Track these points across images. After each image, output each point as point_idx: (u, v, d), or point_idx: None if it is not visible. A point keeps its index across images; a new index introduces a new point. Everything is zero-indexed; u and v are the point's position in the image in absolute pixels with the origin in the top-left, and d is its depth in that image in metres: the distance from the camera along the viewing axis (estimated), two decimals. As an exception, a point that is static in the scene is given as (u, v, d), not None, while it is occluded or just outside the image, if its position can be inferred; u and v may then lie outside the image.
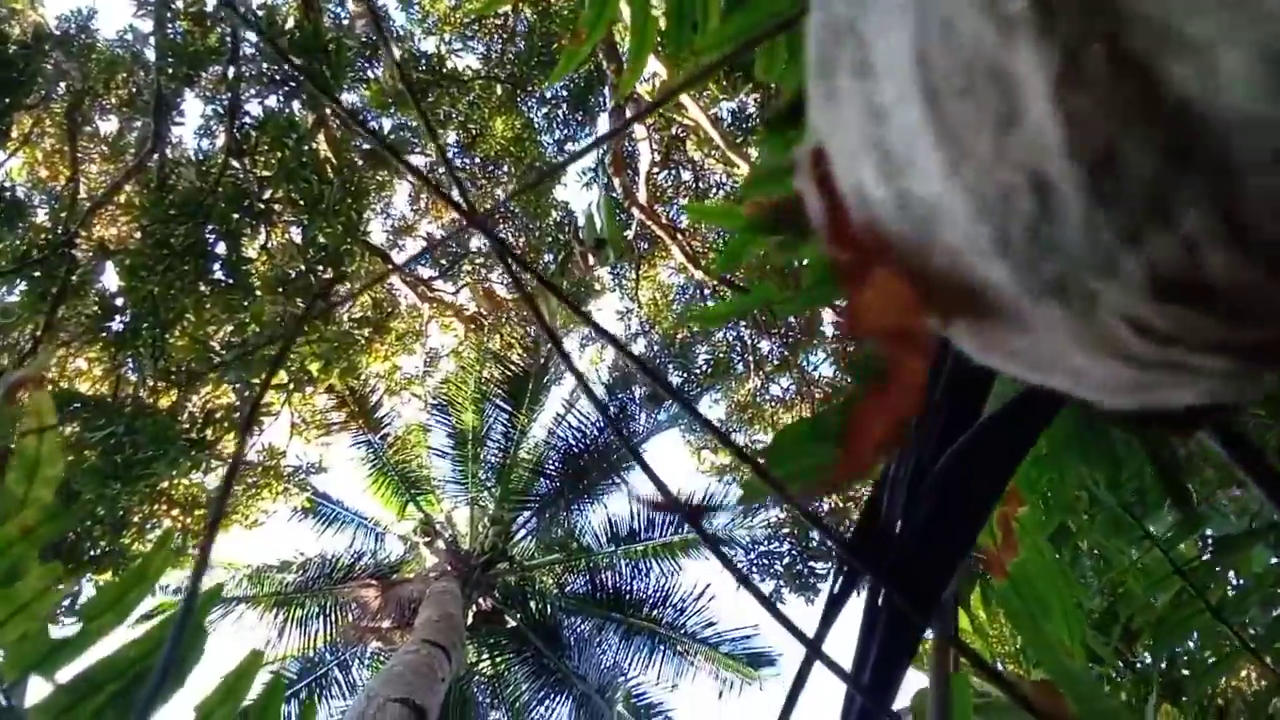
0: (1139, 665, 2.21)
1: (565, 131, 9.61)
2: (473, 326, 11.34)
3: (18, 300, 7.64)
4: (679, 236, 9.09)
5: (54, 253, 7.45)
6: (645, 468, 0.78)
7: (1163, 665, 2.07)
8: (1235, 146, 0.15)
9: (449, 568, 10.69)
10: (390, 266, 9.67)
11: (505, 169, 9.81)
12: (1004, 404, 0.53)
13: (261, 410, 8.88)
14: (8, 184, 7.50)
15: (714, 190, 9.83)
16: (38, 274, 7.43)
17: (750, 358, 9.73)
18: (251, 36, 7.59)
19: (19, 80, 6.89)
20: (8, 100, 6.96)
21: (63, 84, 7.66)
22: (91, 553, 7.40)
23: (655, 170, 9.49)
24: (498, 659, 11.04)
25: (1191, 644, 2.05)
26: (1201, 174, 0.16)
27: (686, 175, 10.31)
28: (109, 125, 8.70)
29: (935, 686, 0.66)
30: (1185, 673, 2.08)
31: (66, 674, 0.97)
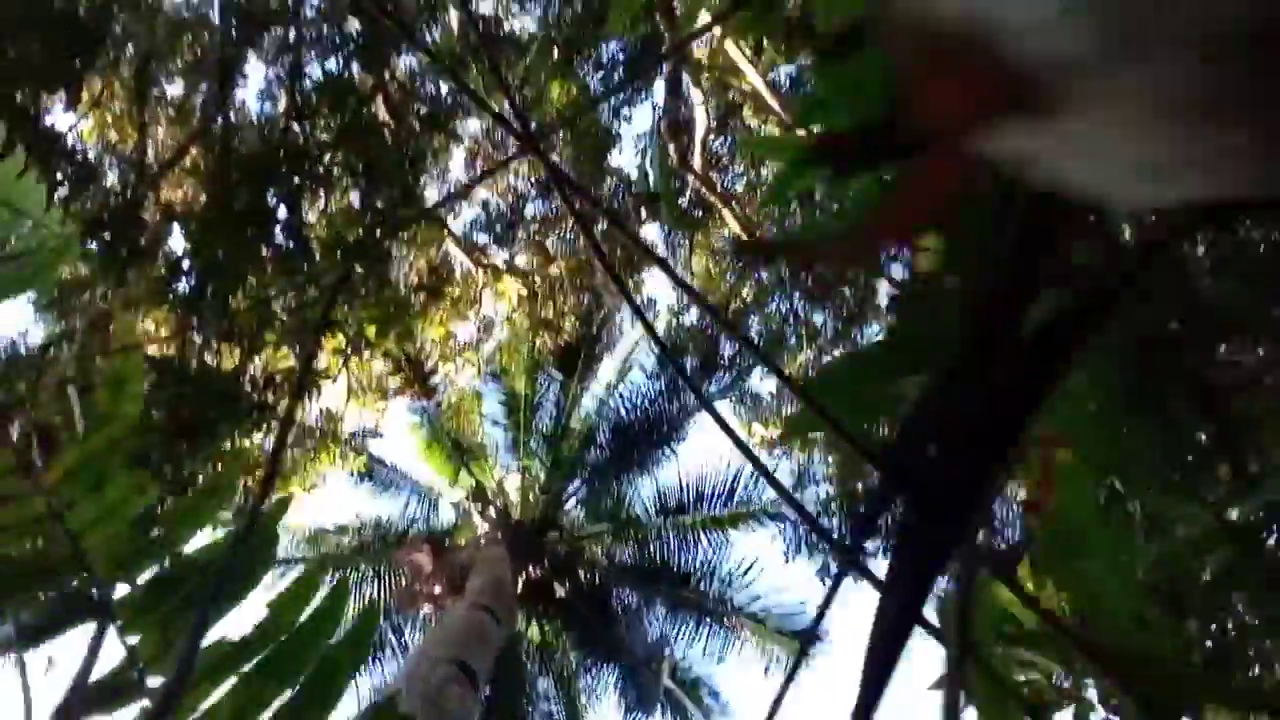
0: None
1: (621, 97, 9.53)
2: (526, 294, 11.39)
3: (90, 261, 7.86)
4: (733, 204, 8.98)
5: (124, 215, 7.64)
6: (716, 416, 0.80)
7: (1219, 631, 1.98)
8: None
9: (500, 535, 10.80)
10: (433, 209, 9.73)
11: (561, 134, 9.78)
12: (1033, 328, 0.53)
13: (319, 376, 9.05)
14: (79, 146, 7.72)
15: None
16: (108, 236, 7.64)
17: (804, 330, 9.59)
18: None
19: (89, 44, 7.06)
20: (79, 64, 7.14)
21: (130, 47, 7.83)
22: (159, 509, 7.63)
23: (711, 137, 9.37)
24: (546, 627, 11.14)
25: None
26: None
27: (743, 144, 10.14)
28: (175, 88, 8.89)
29: (959, 593, 0.69)
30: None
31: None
